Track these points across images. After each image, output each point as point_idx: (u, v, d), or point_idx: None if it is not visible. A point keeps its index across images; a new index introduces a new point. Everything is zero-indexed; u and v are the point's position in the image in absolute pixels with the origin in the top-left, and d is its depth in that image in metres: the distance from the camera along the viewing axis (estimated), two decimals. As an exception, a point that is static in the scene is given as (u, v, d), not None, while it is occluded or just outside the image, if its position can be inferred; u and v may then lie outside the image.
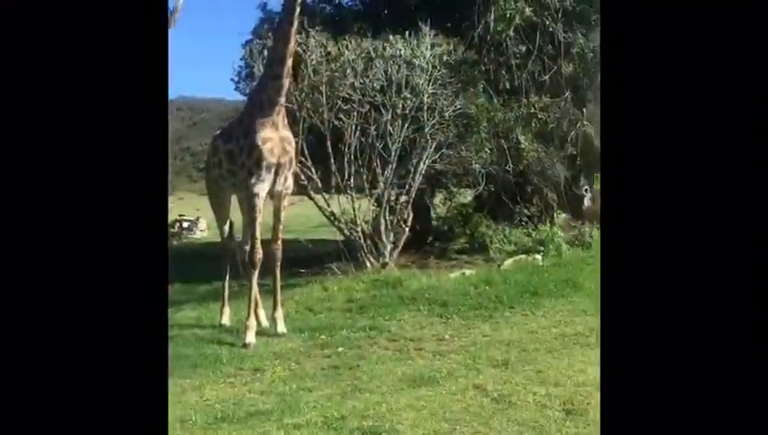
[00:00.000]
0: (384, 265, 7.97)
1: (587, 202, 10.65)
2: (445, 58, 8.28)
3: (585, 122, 10.55)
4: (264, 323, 5.81)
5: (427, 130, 8.17)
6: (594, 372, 3.99)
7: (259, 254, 5.58)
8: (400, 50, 7.99)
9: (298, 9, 5.36)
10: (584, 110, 10.77)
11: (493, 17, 9.33)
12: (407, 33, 8.18)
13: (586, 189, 10.82)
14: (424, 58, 8.05)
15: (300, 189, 7.84)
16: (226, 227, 6.54)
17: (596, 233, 9.72)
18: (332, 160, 8.01)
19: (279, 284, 5.83)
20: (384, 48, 8.00)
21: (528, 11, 9.48)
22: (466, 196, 10.92)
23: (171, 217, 16.56)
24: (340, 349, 4.94)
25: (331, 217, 8.27)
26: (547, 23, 9.76)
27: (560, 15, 9.81)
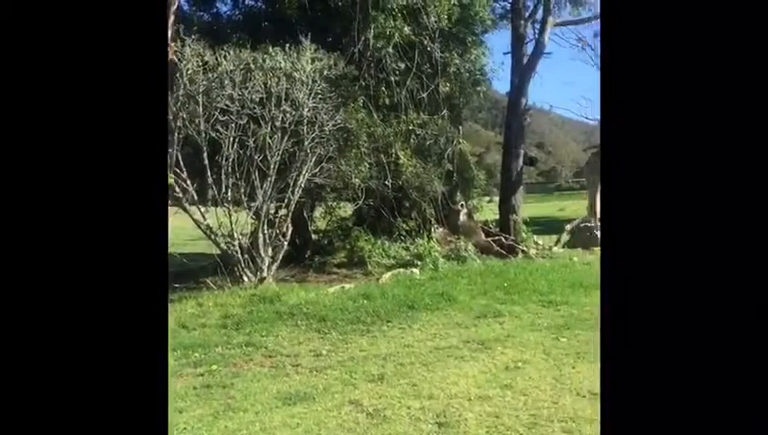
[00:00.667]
0: (262, 280, 7.83)
1: (462, 217, 10.98)
2: (325, 72, 8.28)
3: (461, 140, 10.91)
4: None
5: (306, 143, 8.12)
6: (466, 385, 4.10)
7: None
8: (280, 62, 7.91)
9: None
10: (460, 127, 11.14)
11: (372, 34, 9.48)
12: (287, 45, 8.13)
13: (462, 205, 11.16)
14: (304, 71, 8.02)
15: (174, 201, 7.58)
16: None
17: (471, 247, 10.06)
18: (209, 172, 7.79)
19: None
20: (264, 60, 7.89)
21: (407, 30, 9.70)
22: (346, 210, 10.97)
23: None
24: (213, 367, 4.78)
25: (208, 231, 8.02)
26: (425, 42, 10.03)
27: (437, 35, 10.11)
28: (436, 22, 9.99)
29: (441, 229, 10.61)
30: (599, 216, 13.29)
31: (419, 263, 9.04)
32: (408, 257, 9.44)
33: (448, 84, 10.62)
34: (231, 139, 7.71)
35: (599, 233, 12.29)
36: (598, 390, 3.92)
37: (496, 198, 14.03)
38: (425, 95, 10.17)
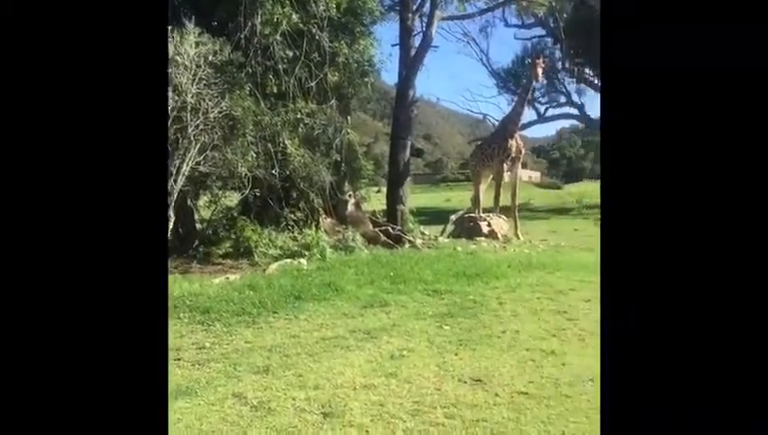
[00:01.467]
0: (142, 272, 7.51)
1: (350, 207, 11.02)
2: (210, 58, 8.05)
3: (349, 130, 10.94)
4: None
5: (190, 130, 7.85)
6: (352, 374, 4.12)
7: None
8: (162, 45, 7.60)
9: None
10: (349, 117, 11.16)
11: (259, 20, 9.29)
12: (169, 28, 7.82)
13: (350, 195, 11.20)
14: (188, 56, 7.75)
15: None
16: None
17: (358, 237, 10.11)
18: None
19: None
20: (144, 42, 7.55)
21: (295, 17, 9.58)
22: (232, 199, 10.74)
23: None
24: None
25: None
26: (314, 30, 9.95)
27: (325, 24, 10.06)
28: (324, 10, 9.93)
29: (329, 219, 10.61)
30: (482, 206, 13.74)
31: (307, 253, 8.99)
32: (296, 248, 9.37)
33: (337, 74, 10.60)
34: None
35: (482, 223, 12.70)
36: (479, 376, 4.08)
37: (384, 189, 14.20)
38: (313, 84, 10.10)
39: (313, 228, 9.86)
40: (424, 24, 14.18)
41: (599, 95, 29.07)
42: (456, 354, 4.57)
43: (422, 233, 12.48)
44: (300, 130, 9.90)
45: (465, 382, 3.97)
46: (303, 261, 8.53)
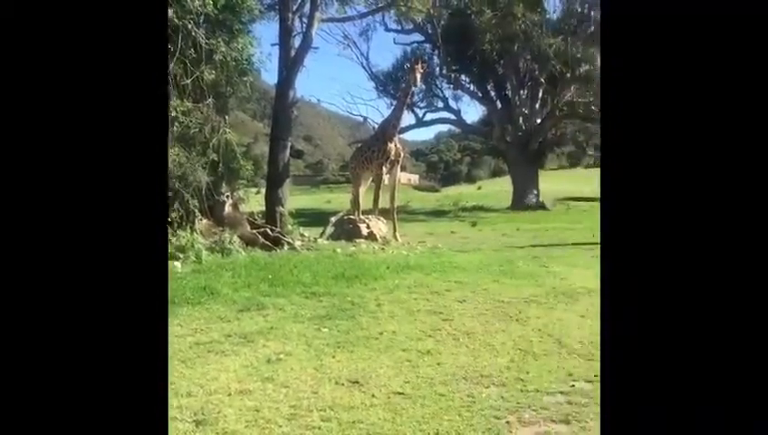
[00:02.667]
0: None
1: (228, 208, 10.76)
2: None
3: (227, 130, 10.68)
4: None
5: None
6: (227, 379, 4.02)
7: None
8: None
9: None
10: (227, 117, 10.89)
11: (132, 13, 8.87)
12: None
13: (227, 196, 10.93)
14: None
15: None
16: None
17: (236, 239, 9.89)
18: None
19: None
20: None
21: (170, 12, 9.25)
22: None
23: None
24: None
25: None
26: (189, 26, 9.64)
27: (202, 21, 9.78)
28: (201, 6, 9.64)
29: (205, 221, 10.30)
30: (362, 208, 13.84)
31: (181, 255, 8.68)
32: (170, 250, 9.03)
33: (214, 72, 10.31)
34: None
35: (361, 225, 12.79)
36: (356, 377, 4.10)
37: (263, 190, 13.99)
38: (189, 82, 9.77)
39: (188, 230, 9.53)
40: (304, 25, 14.11)
41: (474, 101, 30.19)
42: (334, 356, 4.57)
43: (301, 235, 12.39)
44: (175, 128, 9.54)
45: (343, 384, 3.98)
46: (178, 264, 8.23)
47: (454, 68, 28.25)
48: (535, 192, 27.13)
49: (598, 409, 3.63)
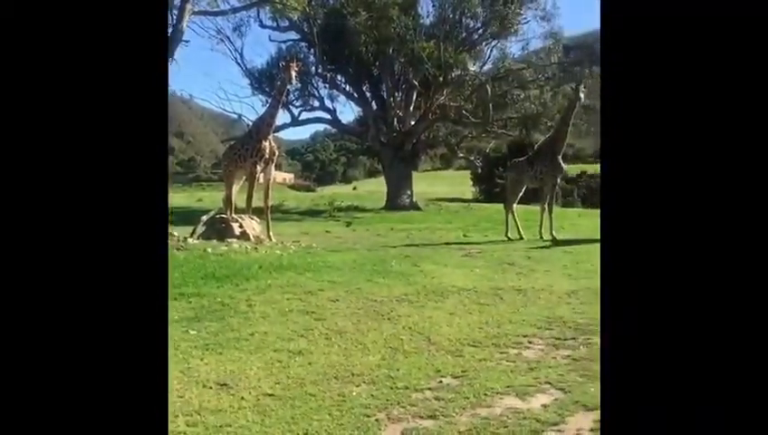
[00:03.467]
0: None
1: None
2: None
3: None
4: None
5: None
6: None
7: None
8: None
9: None
10: None
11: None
12: None
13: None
14: None
15: None
16: None
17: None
18: None
19: None
20: None
21: None
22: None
23: None
24: None
25: None
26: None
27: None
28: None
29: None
30: (234, 207, 13.54)
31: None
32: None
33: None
34: None
35: (234, 224, 12.51)
36: (224, 380, 4.00)
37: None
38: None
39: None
40: (174, 18, 13.62)
41: (350, 102, 30.34)
42: (202, 359, 4.44)
43: (171, 234, 11.95)
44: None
45: (211, 388, 3.88)
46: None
47: (330, 68, 28.27)
48: (409, 193, 27.68)
49: (464, 403, 3.76)
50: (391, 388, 3.98)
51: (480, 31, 26.67)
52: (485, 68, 27.54)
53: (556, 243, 12.02)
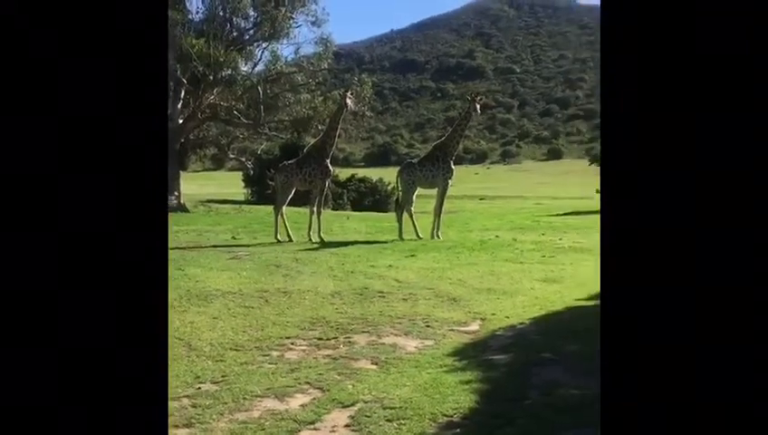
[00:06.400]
0: None
1: None
2: None
3: None
4: None
5: None
6: None
7: None
8: None
9: None
10: None
11: None
12: None
13: None
14: None
15: None
16: None
17: None
18: None
19: None
20: None
21: None
22: None
23: None
24: None
25: None
26: None
27: None
28: None
29: None
30: None
31: None
32: None
33: None
34: None
35: None
36: None
37: None
38: None
39: None
40: None
41: None
42: None
43: None
44: None
45: None
46: None
47: (89, 58, 26.25)
48: (176, 194, 26.62)
49: (222, 408, 3.70)
50: (145, 399, 3.78)
51: (251, 32, 26.47)
52: (257, 69, 27.40)
53: (324, 245, 12.30)
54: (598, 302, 6.88)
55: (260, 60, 27.59)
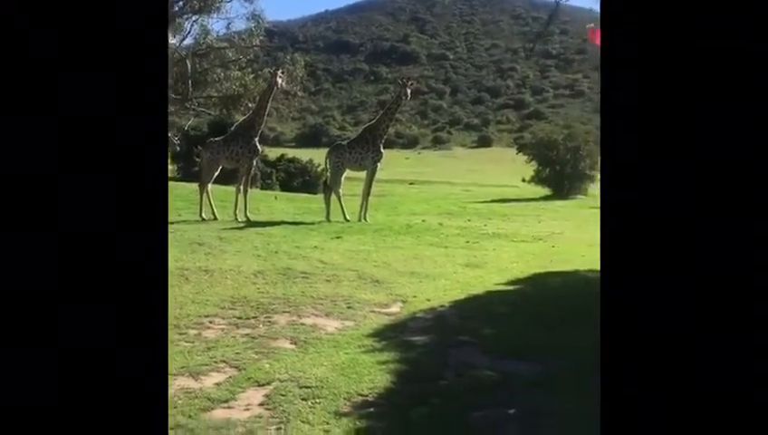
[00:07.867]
0: None
1: None
2: None
3: None
4: None
5: None
6: None
7: None
8: None
9: None
10: None
11: None
12: None
13: None
14: None
15: None
16: None
17: None
18: None
19: None
20: None
21: None
22: None
23: None
24: None
25: None
26: None
27: None
28: None
29: None
30: None
31: None
32: None
33: None
34: None
35: None
36: None
37: None
38: None
39: None
40: None
41: None
42: None
43: None
44: None
45: None
46: None
47: None
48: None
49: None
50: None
51: (181, 3, 25.72)
52: (186, 42, 26.68)
53: (250, 224, 12.17)
54: (517, 287, 7.10)
55: (189, 33, 26.86)
